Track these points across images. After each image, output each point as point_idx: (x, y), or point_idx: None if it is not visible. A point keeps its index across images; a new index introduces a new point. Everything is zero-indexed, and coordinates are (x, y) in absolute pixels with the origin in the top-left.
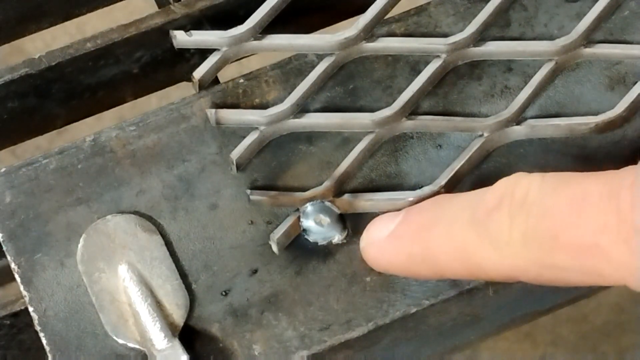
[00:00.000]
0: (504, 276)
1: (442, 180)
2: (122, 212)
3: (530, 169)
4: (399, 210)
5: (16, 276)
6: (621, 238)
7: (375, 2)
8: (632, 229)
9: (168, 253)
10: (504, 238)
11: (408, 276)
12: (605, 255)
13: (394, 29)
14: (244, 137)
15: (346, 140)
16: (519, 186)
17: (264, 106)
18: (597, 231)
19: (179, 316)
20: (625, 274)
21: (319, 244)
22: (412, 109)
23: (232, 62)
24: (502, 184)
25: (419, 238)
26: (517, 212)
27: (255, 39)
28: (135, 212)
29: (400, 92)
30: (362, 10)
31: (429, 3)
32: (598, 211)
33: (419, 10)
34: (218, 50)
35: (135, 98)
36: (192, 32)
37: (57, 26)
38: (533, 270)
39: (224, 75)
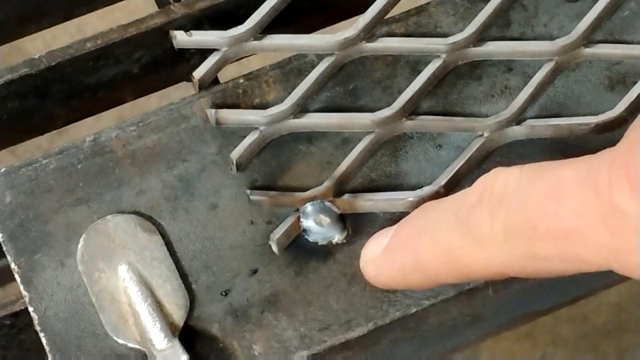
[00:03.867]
0: (492, 273)
1: (442, 180)
2: (122, 212)
3: None
4: (399, 210)
5: (16, 276)
6: (600, 219)
7: (375, 2)
8: (611, 208)
9: (168, 253)
10: (486, 234)
11: (407, 288)
12: (584, 239)
13: (394, 29)
14: (244, 137)
15: (346, 140)
16: (497, 181)
17: (264, 106)
18: (575, 216)
19: (179, 316)
20: (608, 256)
21: (319, 244)
22: (412, 109)
23: (232, 62)
24: (481, 181)
25: (409, 248)
26: (497, 207)
27: (255, 39)
28: (135, 212)
29: (400, 92)
30: (362, 10)
31: (429, 3)
32: (575, 195)
33: (419, 10)
34: (218, 50)
35: (135, 98)
36: (192, 32)
37: (57, 26)
38: (517, 263)
39: (224, 75)
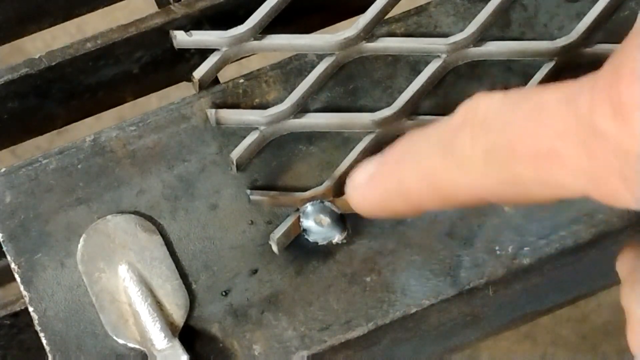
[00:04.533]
0: (473, 198)
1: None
2: (122, 212)
3: None
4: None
5: (16, 276)
6: (579, 141)
7: (375, 2)
8: (592, 130)
9: (168, 253)
10: (466, 157)
11: (388, 215)
12: (562, 161)
13: (394, 29)
14: (244, 137)
15: (346, 140)
16: (480, 105)
17: (264, 106)
18: (555, 136)
19: (179, 316)
20: (585, 181)
21: (319, 244)
22: (413, 109)
23: (232, 62)
24: (465, 105)
25: (392, 174)
26: (479, 130)
27: (255, 39)
28: (135, 212)
29: (400, 92)
30: (362, 10)
31: (429, 3)
32: (555, 117)
33: (419, 10)
34: (218, 50)
35: (135, 98)
36: (192, 32)
37: (57, 26)
38: (496, 186)
39: (224, 75)
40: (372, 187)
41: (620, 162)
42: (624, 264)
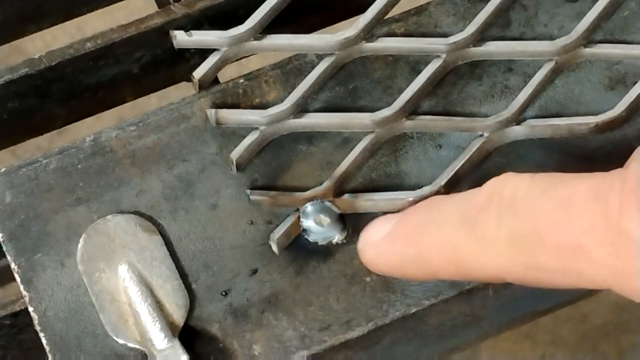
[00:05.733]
0: (491, 276)
1: (442, 180)
2: (122, 212)
3: (530, 169)
4: (398, 210)
5: (16, 276)
6: (607, 240)
7: (375, 2)
8: (619, 232)
9: (168, 253)
10: (490, 238)
11: (403, 278)
12: (588, 257)
13: (394, 29)
14: (244, 137)
15: (346, 140)
16: (507, 186)
17: (264, 106)
18: (582, 232)
19: (179, 316)
20: (609, 277)
21: (319, 244)
22: (412, 109)
23: (232, 62)
24: (492, 184)
25: (412, 239)
26: (505, 212)
27: (255, 39)
28: (135, 212)
29: (400, 92)
30: (362, 10)
31: (429, 3)
32: (585, 213)
33: (419, 10)
34: (218, 50)
35: (135, 98)
36: (192, 32)
37: (57, 26)
38: (518, 270)
39: (224, 75)
40: (388, 248)
41: None
42: None
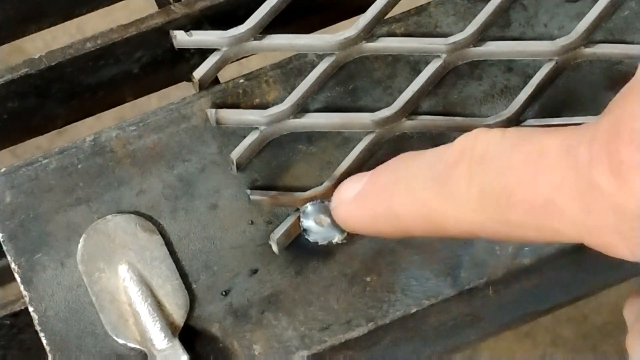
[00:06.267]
0: (464, 232)
1: None
2: (122, 212)
3: None
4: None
5: (16, 276)
6: (577, 195)
7: (375, 2)
8: (590, 185)
9: (168, 253)
10: (462, 194)
11: (374, 235)
12: (560, 212)
13: (394, 29)
14: (244, 137)
15: (346, 140)
16: (478, 142)
17: (264, 106)
18: (553, 188)
19: (179, 316)
20: (582, 231)
21: (319, 244)
22: (412, 109)
23: (232, 62)
24: (462, 140)
25: (382, 197)
26: (476, 168)
27: (255, 39)
28: (135, 212)
29: (400, 92)
30: (362, 10)
31: (429, 3)
32: (555, 168)
33: (419, 10)
34: (218, 50)
35: (135, 98)
36: (192, 32)
37: (57, 26)
38: (490, 226)
39: (224, 75)
40: (359, 206)
41: (617, 218)
42: (630, 312)
